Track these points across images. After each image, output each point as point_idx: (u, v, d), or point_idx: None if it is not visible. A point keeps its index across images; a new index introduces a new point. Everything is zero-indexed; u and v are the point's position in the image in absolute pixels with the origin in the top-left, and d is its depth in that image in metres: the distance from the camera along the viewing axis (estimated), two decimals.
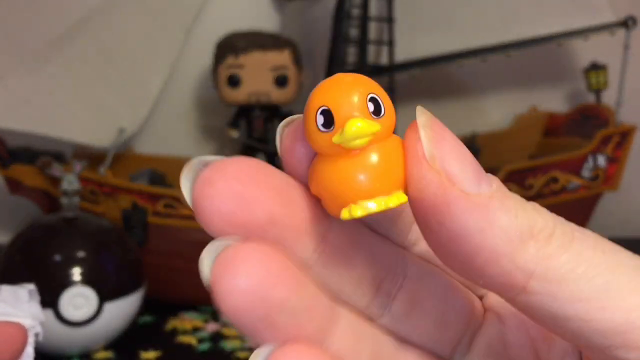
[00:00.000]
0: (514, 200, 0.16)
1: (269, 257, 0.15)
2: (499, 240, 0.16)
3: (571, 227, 0.17)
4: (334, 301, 0.18)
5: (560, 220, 0.17)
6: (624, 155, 0.89)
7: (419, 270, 0.20)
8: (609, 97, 0.93)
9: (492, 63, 0.93)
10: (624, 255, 0.17)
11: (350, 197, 0.16)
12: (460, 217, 0.16)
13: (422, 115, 0.18)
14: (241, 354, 0.70)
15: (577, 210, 0.88)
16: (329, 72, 0.83)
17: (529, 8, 0.90)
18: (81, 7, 0.87)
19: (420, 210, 0.16)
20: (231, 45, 0.83)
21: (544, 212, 0.17)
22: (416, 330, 0.19)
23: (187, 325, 0.77)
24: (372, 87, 0.17)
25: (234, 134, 0.87)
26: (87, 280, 0.66)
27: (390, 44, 0.84)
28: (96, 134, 0.82)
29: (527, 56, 0.97)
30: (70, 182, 0.72)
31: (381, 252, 0.19)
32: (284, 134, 0.19)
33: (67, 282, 0.65)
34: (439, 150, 0.17)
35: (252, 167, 0.17)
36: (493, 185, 0.16)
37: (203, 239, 0.17)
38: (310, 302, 0.16)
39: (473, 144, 0.91)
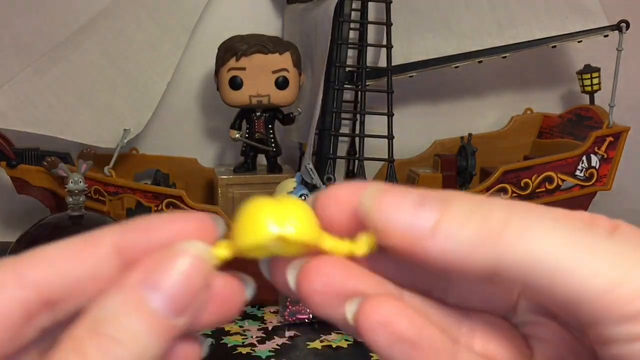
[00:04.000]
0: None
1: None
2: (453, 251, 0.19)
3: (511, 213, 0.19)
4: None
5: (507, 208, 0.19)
6: (617, 155, 0.91)
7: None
8: (602, 99, 0.95)
9: (488, 65, 0.95)
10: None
11: None
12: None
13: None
14: (242, 350, 0.71)
15: (571, 210, 0.89)
16: (329, 74, 0.84)
17: (524, 11, 0.91)
18: (86, 11, 0.88)
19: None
20: (233, 48, 0.84)
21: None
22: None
23: None
24: None
25: (236, 134, 0.88)
26: None
27: (389, 46, 0.85)
28: (101, 134, 0.83)
29: (522, 58, 0.99)
30: (76, 181, 0.73)
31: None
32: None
33: None
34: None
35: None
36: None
37: None
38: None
39: (469, 144, 0.93)
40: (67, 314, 0.20)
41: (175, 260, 0.19)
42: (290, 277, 0.21)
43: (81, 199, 0.73)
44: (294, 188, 0.80)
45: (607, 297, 0.17)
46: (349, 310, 0.20)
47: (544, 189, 0.87)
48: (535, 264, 0.18)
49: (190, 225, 0.21)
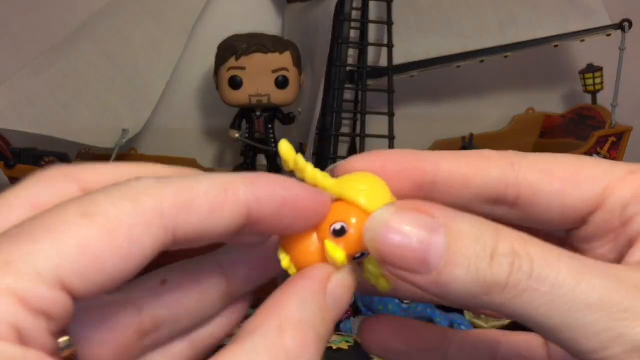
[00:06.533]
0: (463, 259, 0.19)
1: None
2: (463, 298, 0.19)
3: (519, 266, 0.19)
4: None
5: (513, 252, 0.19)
6: (619, 155, 0.90)
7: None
8: (604, 99, 0.94)
9: (489, 64, 0.94)
10: None
11: None
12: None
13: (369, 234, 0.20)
14: None
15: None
16: (329, 74, 0.84)
17: (526, 10, 0.90)
18: (85, 10, 0.88)
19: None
20: (232, 47, 0.84)
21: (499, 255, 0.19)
22: None
23: None
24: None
25: (235, 134, 0.88)
26: None
27: (389, 45, 0.84)
28: (99, 134, 0.83)
29: (524, 58, 0.99)
30: None
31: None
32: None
33: None
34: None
35: None
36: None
37: None
38: None
39: (471, 144, 0.92)
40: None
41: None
42: (355, 328, 0.27)
43: None
44: None
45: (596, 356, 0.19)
46: (354, 328, 0.25)
47: None
48: (532, 325, 0.19)
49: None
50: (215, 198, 0.19)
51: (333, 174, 0.22)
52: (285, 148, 0.21)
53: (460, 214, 0.19)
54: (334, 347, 0.72)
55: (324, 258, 0.21)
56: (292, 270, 0.21)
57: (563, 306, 0.18)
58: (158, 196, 0.18)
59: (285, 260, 0.22)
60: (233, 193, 0.19)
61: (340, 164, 0.22)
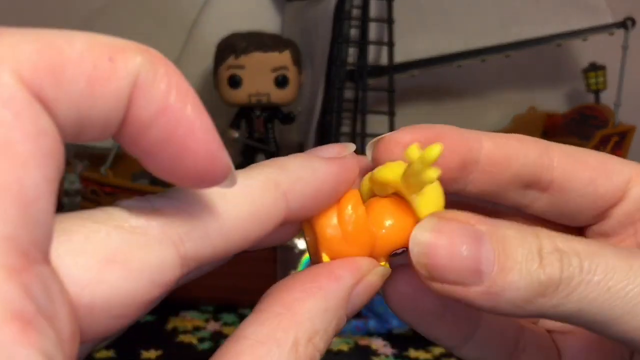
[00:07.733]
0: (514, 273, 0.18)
1: None
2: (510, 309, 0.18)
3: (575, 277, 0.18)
4: None
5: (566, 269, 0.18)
6: (623, 155, 0.90)
7: None
8: (607, 98, 0.94)
9: (491, 64, 0.93)
10: None
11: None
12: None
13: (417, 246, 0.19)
14: None
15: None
16: (329, 73, 0.83)
17: (528, 9, 0.90)
18: (83, 9, 0.87)
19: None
20: (232, 46, 0.83)
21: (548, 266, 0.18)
22: None
23: (188, 325, 0.77)
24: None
25: (235, 134, 0.87)
26: None
27: (390, 44, 0.84)
28: None
29: (526, 57, 0.98)
30: (71, 181, 0.72)
31: None
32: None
33: None
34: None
35: None
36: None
37: None
38: None
39: None
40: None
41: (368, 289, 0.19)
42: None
43: (77, 200, 0.72)
44: None
45: None
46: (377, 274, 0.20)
47: None
48: (588, 322, 0.18)
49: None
50: (96, 66, 0.13)
51: (377, 147, 0.22)
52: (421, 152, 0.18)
53: (496, 219, 0.19)
54: (335, 349, 0.72)
55: (357, 249, 0.20)
56: (325, 258, 0.20)
57: (620, 293, 0.18)
58: (14, 53, 0.12)
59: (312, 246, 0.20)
60: (123, 61, 0.13)
61: (388, 136, 0.21)
